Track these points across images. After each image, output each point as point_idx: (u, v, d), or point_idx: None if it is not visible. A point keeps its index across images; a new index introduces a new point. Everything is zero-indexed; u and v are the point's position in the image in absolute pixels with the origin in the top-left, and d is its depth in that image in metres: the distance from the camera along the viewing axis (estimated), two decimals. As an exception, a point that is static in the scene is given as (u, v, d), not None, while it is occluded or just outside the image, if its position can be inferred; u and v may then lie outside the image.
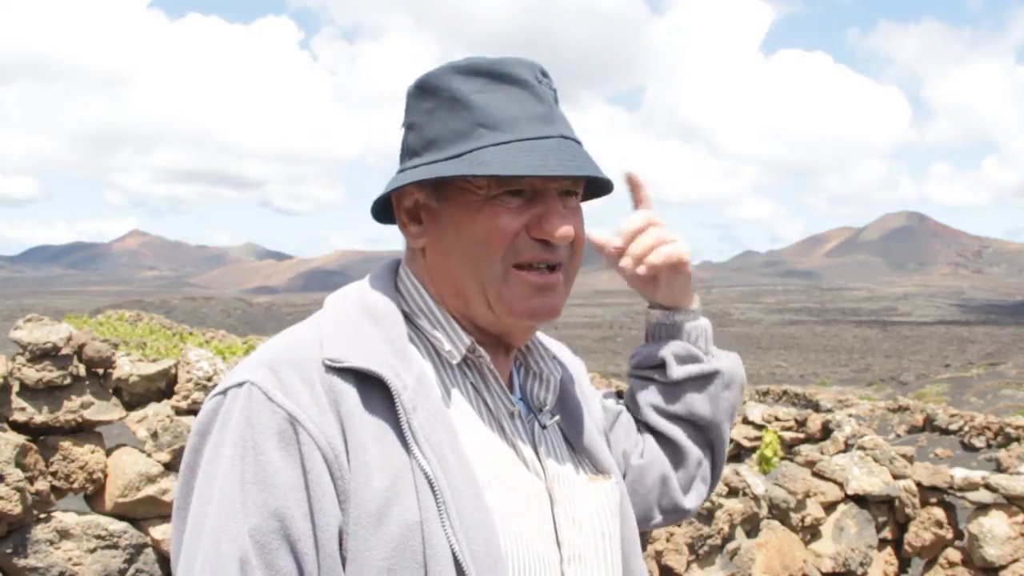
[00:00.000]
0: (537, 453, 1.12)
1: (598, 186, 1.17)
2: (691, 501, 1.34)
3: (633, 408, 1.36)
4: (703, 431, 1.33)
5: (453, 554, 0.94)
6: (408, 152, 1.10)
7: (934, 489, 5.10)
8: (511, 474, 1.06)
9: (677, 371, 1.29)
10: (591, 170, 1.05)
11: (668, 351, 1.30)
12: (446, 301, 1.10)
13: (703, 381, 1.30)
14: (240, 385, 0.97)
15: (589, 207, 1.19)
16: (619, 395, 1.41)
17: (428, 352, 1.09)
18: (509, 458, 1.08)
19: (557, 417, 1.19)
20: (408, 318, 1.10)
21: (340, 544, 0.93)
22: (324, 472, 0.93)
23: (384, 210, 1.15)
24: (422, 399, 1.00)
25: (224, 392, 0.99)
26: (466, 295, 1.08)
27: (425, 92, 1.08)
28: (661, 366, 1.31)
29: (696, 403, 1.30)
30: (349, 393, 0.97)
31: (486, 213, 1.04)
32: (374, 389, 0.98)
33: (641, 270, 1.22)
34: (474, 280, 1.06)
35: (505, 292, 1.06)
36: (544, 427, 1.15)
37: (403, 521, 0.93)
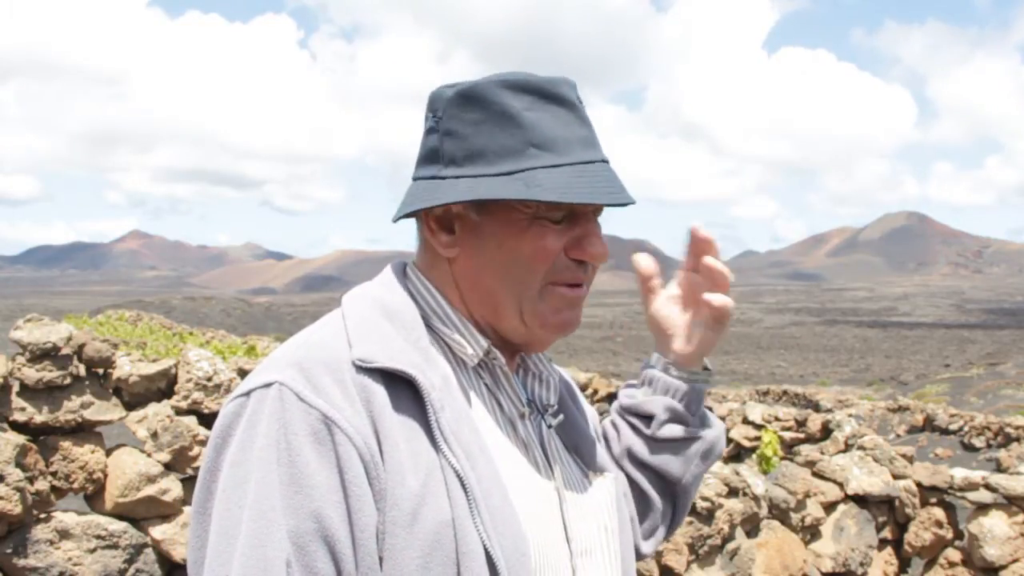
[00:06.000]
0: (545, 452, 1.14)
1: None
2: (649, 547, 1.33)
3: (608, 444, 1.35)
4: (670, 486, 1.31)
5: (485, 550, 0.95)
6: (445, 159, 1.08)
7: (934, 489, 5.10)
8: (525, 473, 1.09)
9: (664, 430, 1.27)
10: (628, 197, 1.06)
11: (661, 407, 1.26)
12: (469, 308, 1.11)
13: (684, 444, 1.28)
14: (267, 386, 0.96)
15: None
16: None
17: (445, 354, 1.10)
18: (522, 457, 1.10)
19: (562, 416, 1.21)
20: (424, 320, 1.11)
21: (376, 544, 0.94)
22: (361, 473, 0.93)
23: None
24: (448, 399, 1.02)
25: (248, 393, 0.98)
26: (499, 308, 1.09)
27: (471, 102, 1.07)
28: (649, 417, 1.28)
29: (670, 463, 1.28)
30: (380, 393, 0.97)
31: (533, 233, 1.05)
32: (402, 389, 0.99)
33: (717, 301, 1.18)
34: (511, 295, 1.08)
35: (540, 306, 1.08)
36: (550, 427, 1.18)
37: (436, 519, 0.94)
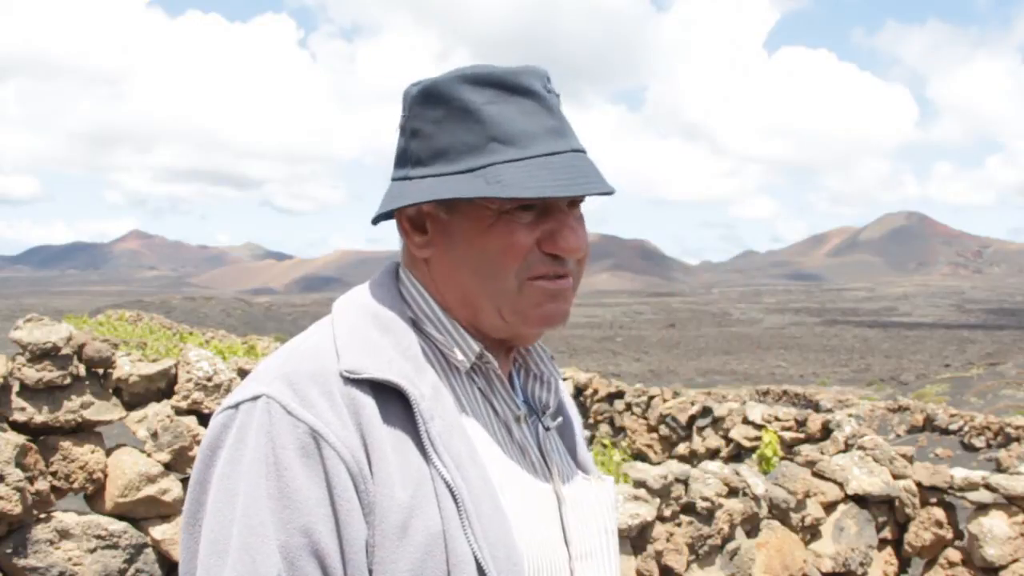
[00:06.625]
0: (543, 455, 1.13)
1: None
2: None
3: None
4: None
5: (476, 561, 0.94)
6: (411, 159, 1.07)
7: (934, 489, 5.10)
8: (521, 477, 1.07)
9: None
10: (602, 186, 1.03)
11: None
12: (452, 310, 1.09)
13: None
14: (255, 399, 0.96)
15: (588, 204, 1.18)
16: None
17: (437, 359, 1.08)
18: (518, 461, 1.09)
19: (560, 419, 1.20)
20: (415, 325, 1.09)
21: (366, 557, 0.93)
22: (349, 486, 0.92)
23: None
24: (438, 408, 1.00)
25: (236, 406, 0.97)
26: (477, 307, 1.07)
27: (432, 100, 1.05)
28: None
29: None
30: (368, 404, 0.96)
31: (500, 229, 1.03)
32: (391, 399, 0.98)
33: None
34: (487, 293, 1.06)
35: (520, 303, 1.06)
36: (548, 429, 1.16)
37: (426, 531, 0.93)
